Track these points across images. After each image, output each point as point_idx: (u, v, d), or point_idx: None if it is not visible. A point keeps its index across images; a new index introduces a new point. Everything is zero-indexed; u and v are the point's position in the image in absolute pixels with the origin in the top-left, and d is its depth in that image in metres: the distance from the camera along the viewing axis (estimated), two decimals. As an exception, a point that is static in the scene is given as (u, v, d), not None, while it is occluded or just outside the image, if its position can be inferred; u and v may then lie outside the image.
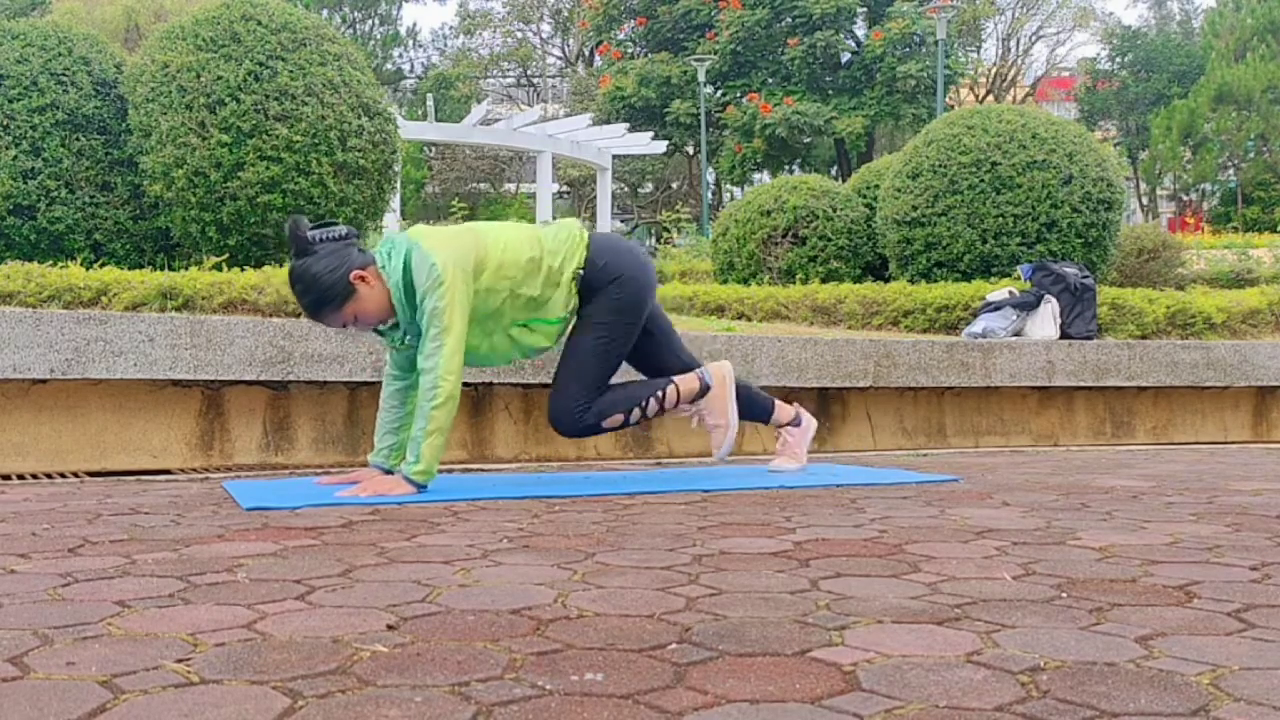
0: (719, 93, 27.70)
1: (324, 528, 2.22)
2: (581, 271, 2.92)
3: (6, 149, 5.36)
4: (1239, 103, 28.76)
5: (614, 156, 23.84)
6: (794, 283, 7.04)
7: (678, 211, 20.57)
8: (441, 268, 2.70)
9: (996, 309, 5.50)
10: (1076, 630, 1.40)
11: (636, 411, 2.99)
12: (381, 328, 2.84)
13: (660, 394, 3.02)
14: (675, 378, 3.07)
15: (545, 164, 21.47)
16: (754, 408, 3.30)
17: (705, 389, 3.09)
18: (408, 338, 2.84)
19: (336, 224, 2.79)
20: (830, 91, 26.95)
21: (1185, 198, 32.56)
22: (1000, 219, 6.47)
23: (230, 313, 4.04)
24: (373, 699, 1.11)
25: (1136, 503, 2.64)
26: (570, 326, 3.00)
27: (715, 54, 26.61)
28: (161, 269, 5.15)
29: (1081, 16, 37.88)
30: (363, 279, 2.72)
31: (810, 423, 3.40)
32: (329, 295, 2.70)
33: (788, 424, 3.35)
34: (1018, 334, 5.44)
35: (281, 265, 5.12)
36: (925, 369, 4.84)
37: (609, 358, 2.98)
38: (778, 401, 3.35)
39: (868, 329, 5.88)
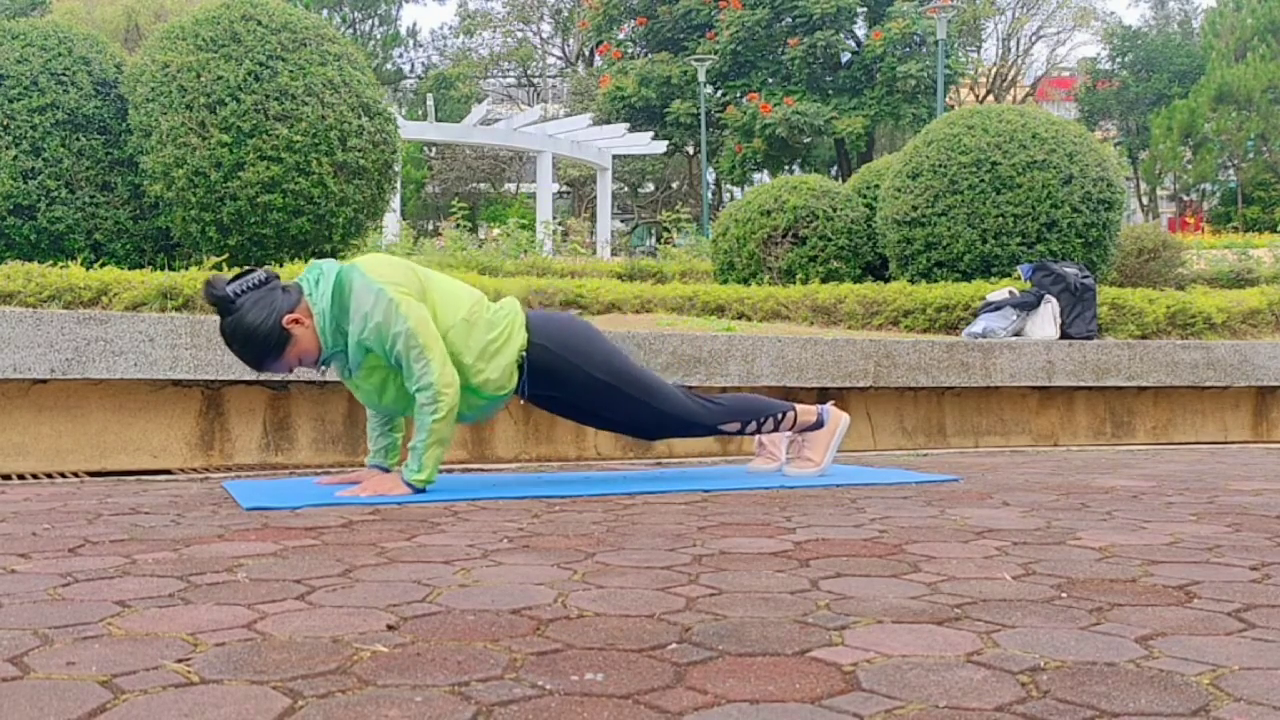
0: (719, 93, 27.71)
1: (324, 528, 2.22)
2: (525, 354, 2.83)
3: (6, 149, 5.36)
4: (1239, 103, 28.77)
5: (614, 156, 23.86)
6: (794, 283, 7.04)
7: (678, 211, 20.56)
8: (390, 291, 2.64)
9: (997, 309, 5.50)
10: (1076, 630, 1.40)
11: (754, 424, 3.05)
12: (318, 360, 2.75)
13: (781, 415, 3.09)
14: (799, 405, 3.14)
15: (545, 164, 21.48)
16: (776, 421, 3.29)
17: (819, 424, 3.15)
18: (323, 366, 2.76)
19: (253, 270, 2.70)
20: (830, 91, 26.96)
21: (1185, 198, 32.57)
22: (1000, 219, 6.47)
23: (230, 313, 4.04)
24: (373, 699, 1.11)
25: (1136, 503, 2.64)
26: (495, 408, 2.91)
27: (715, 54, 26.61)
28: (161, 269, 5.15)
29: (1082, 16, 37.88)
30: (295, 321, 2.64)
31: (833, 420, 3.34)
32: (266, 346, 2.63)
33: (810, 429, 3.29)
34: (1018, 334, 5.44)
35: (281, 265, 5.13)
36: (925, 369, 4.84)
37: (629, 374, 2.94)
38: (797, 406, 3.29)
39: (868, 329, 5.88)
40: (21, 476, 3.46)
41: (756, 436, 3.30)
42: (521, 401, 2.94)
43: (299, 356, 2.69)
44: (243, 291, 2.64)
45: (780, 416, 3.08)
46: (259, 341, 2.63)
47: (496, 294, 3.09)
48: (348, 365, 2.75)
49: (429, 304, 2.73)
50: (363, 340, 2.66)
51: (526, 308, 2.95)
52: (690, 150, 30.63)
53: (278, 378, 2.74)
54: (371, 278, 2.66)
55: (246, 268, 2.77)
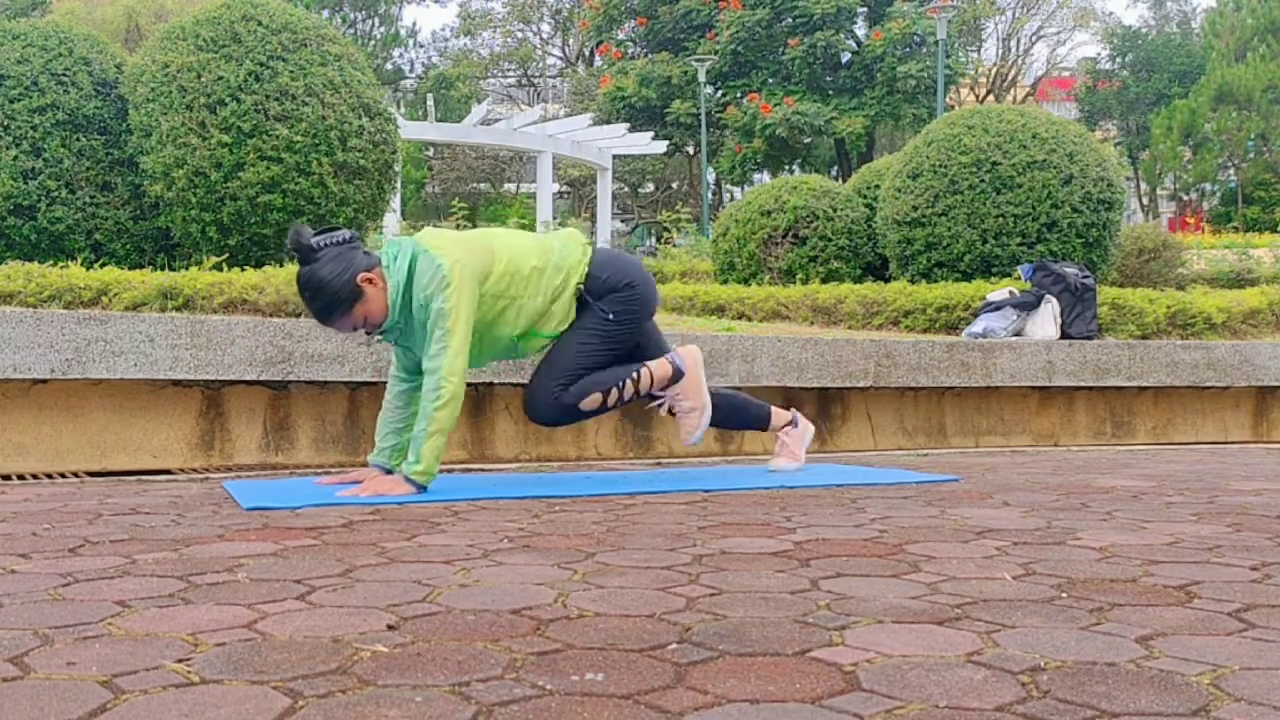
0: (719, 93, 27.69)
1: (324, 528, 2.22)
2: (582, 286, 2.95)
3: (7, 149, 5.36)
4: (1239, 103, 28.76)
5: (614, 156, 23.85)
6: (794, 283, 7.04)
7: (678, 211, 20.55)
8: (449, 269, 2.72)
9: (997, 309, 5.50)
10: (1077, 630, 1.40)
11: (615, 393, 2.97)
12: (379, 330, 2.84)
13: (635, 375, 3.01)
14: (648, 362, 3.06)
15: (545, 164, 21.48)
16: (750, 417, 3.32)
17: (679, 374, 3.08)
18: (390, 338, 2.86)
19: (339, 228, 2.80)
20: (830, 91, 26.94)
21: (1185, 197, 32.55)
22: (1000, 219, 6.47)
23: (230, 313, 4.04)
24: (373, 699, 1.11)
25: (1137, 503, 2.64)
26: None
27: (715, 54, 26.60)
28: (162, 269, 5.15)
29: (1082, 16, 37.86)
30: (369, 280, 2.74)
31: (807, 426, 3.43)
32: (337, 299, 2.72)
33: (785, 425, 3.38)
34: (1018, 334, 5.44)
35: (282, 265, 5.12)
36: (925, 369, 4.84)
37: (595, 356, 2.97)
38: (773, 407, 3.37)
39: (868, 329, 5.87)
40: (21, 476, 3.46)
41: (778, 436, 3.37)
42: (610, 318, 2.98)
43: (365, 315, 2.77)
44: (326, 245, 2.72)
45: (636, 375, 3.01)
46: (332, 294, 2.71)
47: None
48: (414, 339, 2.83)
49: (499, 263, 2.83)
50: (422, 305, 2.75)
51: (591, 244, 3.04)
52: (690, 150, 30.62)
53: (341, 331, 2.81)
54: (435, 253, 2.75)
55: (331, 225, 2.85)
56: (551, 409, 2.94)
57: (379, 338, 2.88)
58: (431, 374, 2.72)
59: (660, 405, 3.15)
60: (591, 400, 2.95)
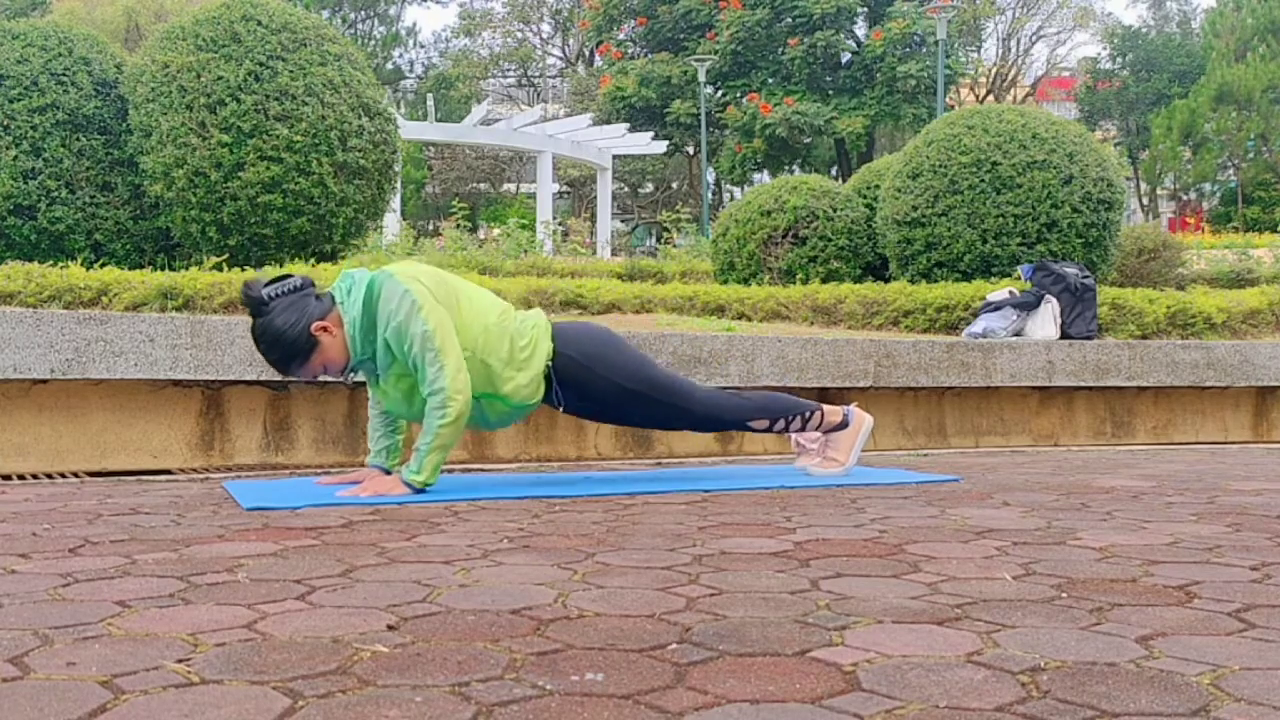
0: (719, 93, 27.70)
1: (324, 528, 2.22)
2: (551, 364, 2.86)
3: (7, 149, 5.36)
4: (1239, 103, 28.76)
5: (614, 156, 23.86)
6: (794, 283, 7.04)
7: (678, 211, 20.56)
8: (417, 293, 2.66)
9: (997, 309, 5.50)
10: (1077, 630, 1.40)
11: (781, 423, 3.06)
12: (345, 368, 2.78)
13: (809, 414, 3.09)
14: (825, 406, 3.14)
15: (545, 164, 21.48)
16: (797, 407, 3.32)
17: (844, 424, 3.15)
18: (350, 374, 2.79)
19: (290, 276, 2.74)
20: (830, 91, 26.95)
21: (1185, 197, 32.56)
22: (1000, 219, 6.47)
23: (230, 313, 4.04)
24: (373, 699, 1.11)
25: (1137, 503, 2.64)
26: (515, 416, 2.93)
27: (715, 54, 26.60)
28: (162, 269, 5.15)
29: (1081, 16, 37.86)
30: (324, 329, 2.68)
31: (857, 421, 3.35)
32: (294, 350, 2.68)
33: (836, 428, 3.31)
34: (1018, 334, 5.44)
35: (282, 265, 5.13)
36: (925, 369, 4.84)
37: (648, 375, 2.95)
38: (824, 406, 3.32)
39: (868, 329, 5.88)
40: (21, 476, 3.46)
41: (792, 437, 3.32)
42: (561, 410, 2.96)
43: (324, 364, 2.73)
44: (277, 295, 2.68)
45: (808, 415, 3.09)
46: (286, 345, 2.68)
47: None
48: (375, 371, 2.78)
49: (460, 309, 2.76)
50: (386, 338, 2.68)
51: (550, 320, 2.99)
52: (690, 150, 30.63)
53: (302, 380, 2.78)
54: (400, 280, 2.69)
55: (285, 273, 2.81)
56: (713, 424, 3.05)
57: (350, 376, 2.80)
58: (436, 394, 2.67)
59: (814, 442, 3.19)
60: (760, 423, 3.04)
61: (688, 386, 3.02)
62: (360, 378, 2.89)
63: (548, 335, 2.89)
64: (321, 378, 2.80)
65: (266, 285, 2.70)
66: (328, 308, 2.71)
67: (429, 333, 2.65)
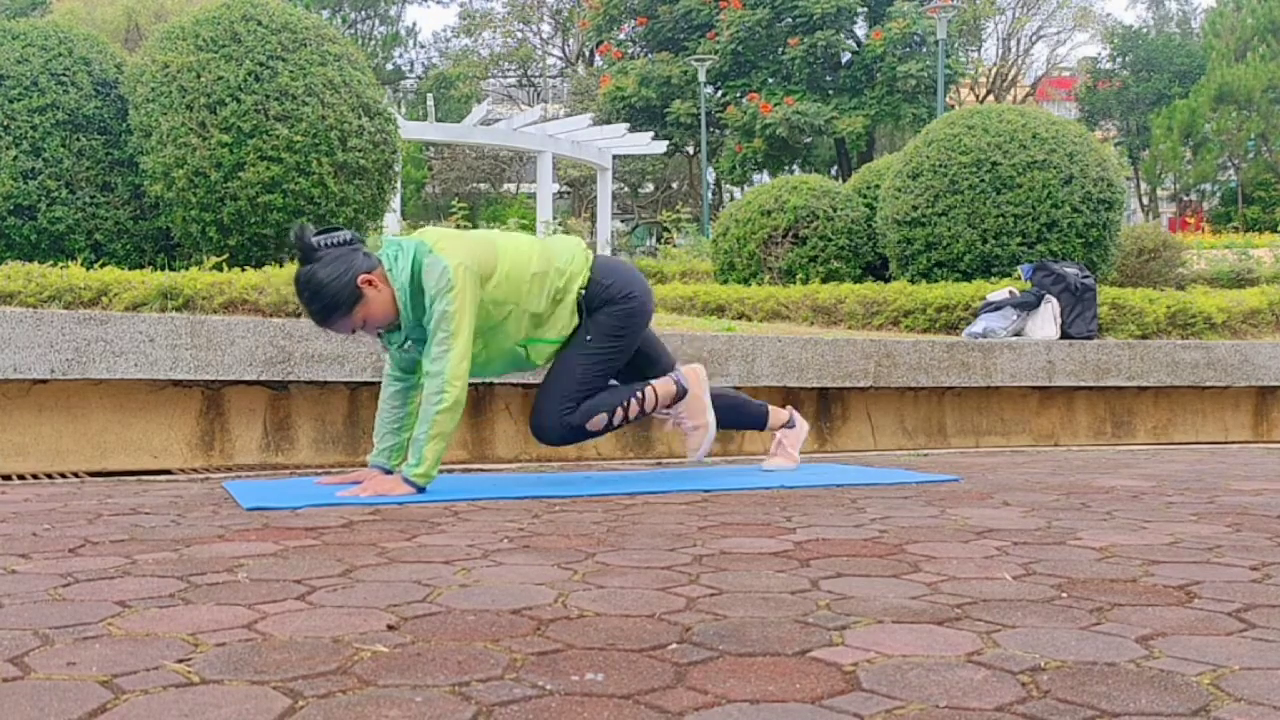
0: (719, 93, 27.69)
1: (324, 528, 2.22)
2: (584, 291, 2.92)
3: (7, 149, 5.36)
4: (1239, 102, 28.75)
5: (614, 156, 23.84)
6: (794, 283, 7.04)
7: (678, 211, 20.55)
8: (454, 271, 2.69)
9: (997, 309, 5.50)
10: (1077, 630, 1.39)
11: (619, 412, 2.97)
12: (383, 332, 2.83)
13: (640, 395, 3.01)
14: (652, 381, 3.07)
15: (545, 164, 21.47)
16: (747, 417, 3.32)
17: (682, 392, 3.09)
18: (408, 341, 2.83)
19: (340, 229, 2.77)
20: (830, 91, 26.94)
21: (1186, 197, 32.55)
22: (1000, 219, 6.47)
23: (230, 313, 4.04)
24: (373, 699, 1.11)
25: (1137, 503, 2.64)
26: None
27: (715, 54, 26.59)
28: (162, 269, 5.15)
29: (1082, 16, 37.85)
30: (370, 283, 2.71)
31: (803, 425, 3.43)
32: (336, 301, 2.69)
33: (782, 426, 3.38)
34: (1018, 334, 5.44)
35: (282, 265, 5.12)
36: (926, 369, 4.84)
37: (601, 373, 2.97)
38: (771, 406, 3.37)
39: (868, 329, 5.87)
40: (21, 476, 3.46)
41: (775, 435, 3.36)
42: (589, 340, 2.94)
43: (365, 318, 2.74)
44: (327, 246, 2.70)
45: (640, 394, 3.01)
46: (330, 296, 2.68)
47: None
48: (405, 337, 2.81)
49: (501, 265, 2.79)
50: (428, 306, 2.72)
51: (591, 251, 3.02)
52: (690, 150, 30.61)
53: (340, 334, 2.80)
54: (439, 254, 2.71)
55: (334, 225, 2.82)
56: (558, 430, 2.93)
57: (407, 344, 2.82)
58: (434, 377, 2.69)
59: (666, 420, 3.16)
60: (597, 421, 2.95)
61: (597, 388, 2.98)
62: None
63: (585, 266, 2.93)
64: (359, 332, 2.81)
65: (317, 234, 2.72)
66: (374, 264, 2.74)
67: (449, 313, 2.68)
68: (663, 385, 3.06)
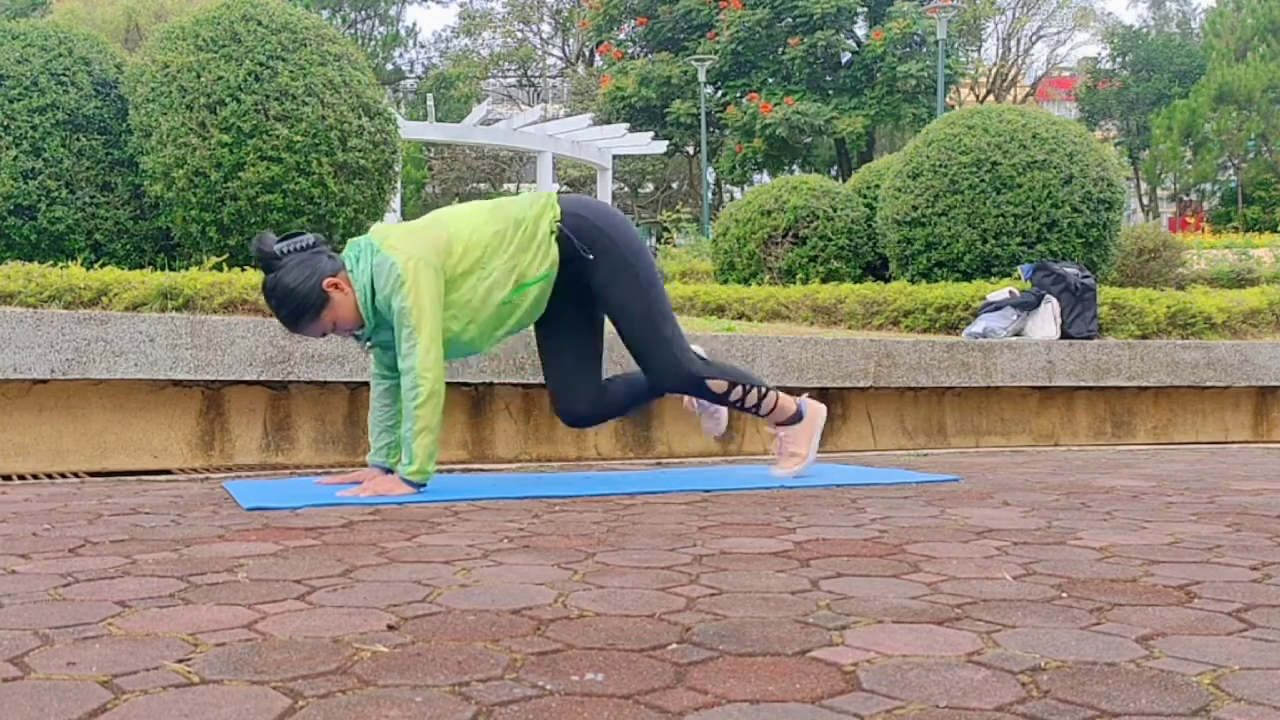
0: (719, 93, 27.68)
1: (324, 528, 2.22)
2: (559, 225, 2.83)
3: (7, 149, 5.36)
4: (1239, 102, 28.74)
5: (614, 156, 23.82)
6: (794, 283, 7.04)
7: (678, 211, 20.57)
8: (402, 266, 2.68)
9: (997, 309, 5.50)
10: (1077, 630, 1.39)
11: (740, 391, 2.99)
12: (358, 332, 2.83)
13: (766, 391, 3.04)
14: (781, 393, 3.11)
15: (545, 164, 21.47)
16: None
17: (798, 417, 3.13)
18: (369, 341, 2.83)
19: (302, 234, 2.78)
20: (830, 91, 26.94)
21: (1186, 197, 32.54)
22: (1001, 219, 6.47)
23: (231, 313, 4.04)
24: (373, 699, 1.11)
25: (1137, 503, 2.64)
26: (551, 287, 2.86)
27: (715, 54, 26.59)
28: (162, 269, 5.15)
29: (1082, 16, 37.85)
30: (335, 285, 2.71)
31: (814, 415, 3.35)
32: (304, 306, 2.70)
33: (786, 422, 3.34)
34: (1018, 334, 5.44)
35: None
36: (926, 369, 4.84)
37: (656, 302, 2.89)
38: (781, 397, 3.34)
39: (868, 329, 5.87)
40: (21, 476, 3.46)
41: (777, 436, 3.31)
42: (591, 259, 2.85)
43: (334, 321, 2.75)
44: (289, 251, 2.71)
45: (764, 391, 3.04)
46: (298, 300, 2.70)
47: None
48: (367, 337, 2.82)
49: (457, 244, 2.76)
50: (385, 304, 2.72)
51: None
52: (690, 150, 30.61)
53: (312, 337, 2.81)
54: (386, 252, 2.71)
55: (296, 231, 2.83)
56: (681, 374, 2.90)
57: (368, 343, 2.84)
58: (407, 374, 2.70)
59: (772, 434, 3.19)
60: (719, 384, 2.96)
61: (672, 316, 2.95)
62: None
63: (551, 204, 2.87)
64: (331, 335, 2.82)
65: (279, 241, 2.73)
66: (339, 266, 2.75)
67: (405, 309, 2.68)
68: (786, 400, 3.11)
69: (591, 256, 2.84)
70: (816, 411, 3.18)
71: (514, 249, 2.80)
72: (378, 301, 2.73)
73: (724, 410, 3.19)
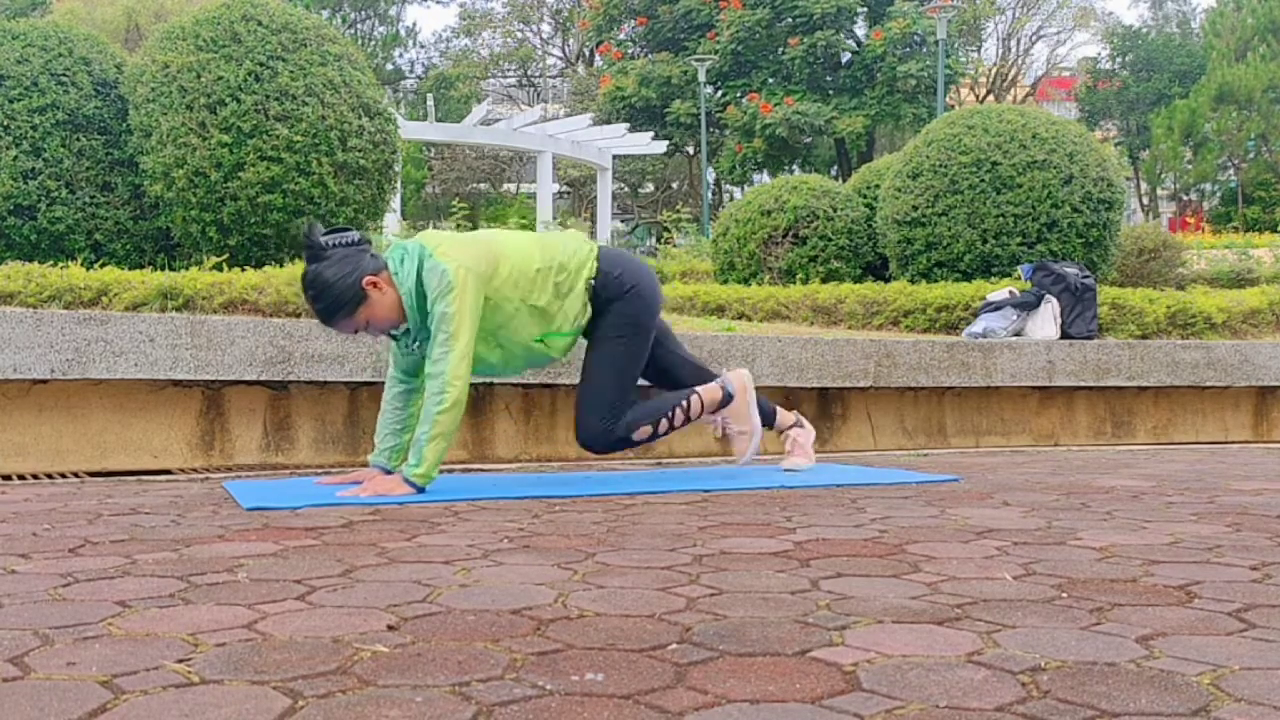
0: (719, 93, 27.68)
1: (324, 528, 2.22)
2: (593, 282, 2.94)
3: (7, 149, 5.36)
4: (1239, 102, 28.74)
5: (614, 156, 23.84)
6: (794, 283, 7.04)
7: (678, 211, 20.55)
8: (453, 274, 2.71)
9: (997, 309, 5.50)
10: (1077, 630, 1.39)
11: (664, 423, 3.01)
12: (395, 332, 2.85)
13: (685, 404, 3.05)
14: (698, 388, 3.10)
15: (545, 164, 21.48)
16: (762, 414, 3.35)
17: (728, 398, 3.12)
18: (417, 343, 2.86)
19: (349, 229, 2.80)
20: (830, 91, 26.94)
21: (1186, 197, 32.54)
22: (1001, 219, 6.47)
23: (231, 313, 4.04)
24: (373, 699, 1.11)
25: (1137, 503, 2.64)
26: (578, 341, 3.02)
27: (715, 54, 26.59)
28: (162, 269, 5.15)
29: (1082, 16, 37.85)
30: (375, 284, 2.74)
31: (809, 428, 3.46)
32: (341, 301, 2.72)
33: (791, 426, 3.39)
34: (1018, 334, 5.44)
35: (282, 265, 5.12)
36: (926, 369, 4.84)
37: (630, 371, 3.00)
38: (778, 408, 3.39)
39: (868, 329, 5.87)
40: (21, 476, 3.46)
41: (785, 435, 3.36)
42: (607, 310, 2.98)
43: (368, 319, 2.77)
44: (335, 245, 2.73)
45: (686, 403, 3.06)
46: (335, 295, 2.72)
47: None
48: (414, 340, 2.84)
49: (503, 266, 2.81)
50: (430, 309, 2.75)
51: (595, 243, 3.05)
52: (690, 150, 30.61)
53: (343, 334, 2.85)
54: (438, 258, 2.74)
55: (343, 226, 2.86)
56: (603, 441, 2.97)
57: (415, 344, 2.86)
58: (435, 378, 2.71)
59: (715, 426, 3.18)
60: (642, 431, 2.99)
61: (629, 395, 3.01)
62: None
63: (591, 257, 2.95)
64: (362, 333, 2.84)
65: (326, 234, 2.75)
66: (380, 266, 2.76)
67: (448, 315, 2.70)
68: (708, 392, 3.10)
69: (609, 309, 2.97)
70: (741, 380, 3.17)
71: (551, 292, 2.88)
72: (428, 305, 2.75)
73: (757, 434, 3.20)
